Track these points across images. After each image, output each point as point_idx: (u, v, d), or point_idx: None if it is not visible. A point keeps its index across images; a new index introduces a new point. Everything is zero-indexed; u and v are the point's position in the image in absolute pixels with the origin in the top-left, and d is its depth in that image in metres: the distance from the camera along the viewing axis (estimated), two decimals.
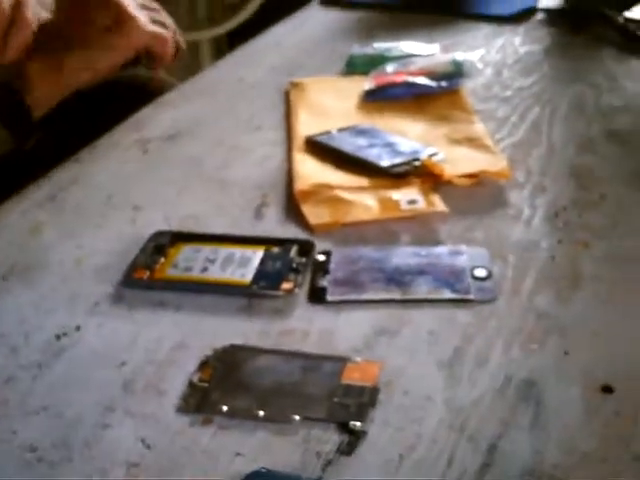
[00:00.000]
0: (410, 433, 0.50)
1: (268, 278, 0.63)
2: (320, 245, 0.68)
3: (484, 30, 1.19)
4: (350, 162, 0.80)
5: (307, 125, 0.89)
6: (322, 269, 0.65)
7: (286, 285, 0.63)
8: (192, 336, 0.59)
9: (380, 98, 0.95)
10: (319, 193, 0.75)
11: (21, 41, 0.79)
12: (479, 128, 0.87)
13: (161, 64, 0.92)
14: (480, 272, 0.63)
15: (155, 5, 0.94)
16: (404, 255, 0.66)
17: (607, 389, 0.52)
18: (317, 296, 0.62)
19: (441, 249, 0.67)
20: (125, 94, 0.99)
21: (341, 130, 0.87)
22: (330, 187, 0.75)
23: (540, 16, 1.24)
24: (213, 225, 0.73)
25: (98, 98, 0.90)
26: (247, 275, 0.64)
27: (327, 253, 0.67)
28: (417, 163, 0.78)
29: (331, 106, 0.95)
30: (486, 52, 1.10)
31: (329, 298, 0.62)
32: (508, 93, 0.97)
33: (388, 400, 0.52)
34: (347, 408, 0.51)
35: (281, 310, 0.61)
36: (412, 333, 0.58)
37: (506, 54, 1.10)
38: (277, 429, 0.50)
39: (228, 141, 0.89)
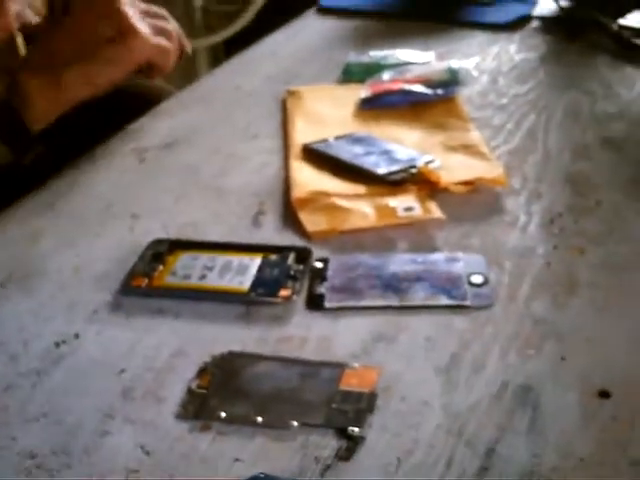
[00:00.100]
0: (408, 438, 0.50)
1: (266, 285, 0.64)
2: (317, 252, 0.68)
3: (479, 38, 1.20)
4: (347, 170, 0.80)
5: (304, 133, 0.89)
6: (320, 276, 0.65)
7: (284, 292, 0.63)
8: (191, 343, 0.59)
9: (376, 106, 0.95)
10: (316, 201, 0.75)
11: None
12: (475, 135, 0.87)
13: (161, 74, 0.90)
14: (476, 278, 0.64)
15: (159, 10, 0.91)
16: (401, 262, 0.67)
17: (604, 394, 0.52)
18: (315, 303, 0.62)
19: (438, 256, 0.67)
20: (123, 103, 0.99)
21: (338, 138, 0.87)
22: (327, 195, 0.76)
23: (535, 24, 1.24)
24: (211, 233, 0.73)
25: (96, 108, 0.90)
26: (245, 282, 0.64)
27: (324, 260, 0.67)
28: (413, 170, 0.78)
29: (328, 114, 0.95)
30: (482, 60, 1.11)
31: (327, 305, 0.62)
32: (504, 100, 0.98)
33: (386, 406, 0.52)
34: (345, 414, 0.51)
35: (279, 317, 0.61)
36: (409, 339, 0.58)
37: (501, 62, 1.10)
38: (275, 435, 0.50)
39: (225, 149, 0.89)
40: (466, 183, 0.77)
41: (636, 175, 0.80)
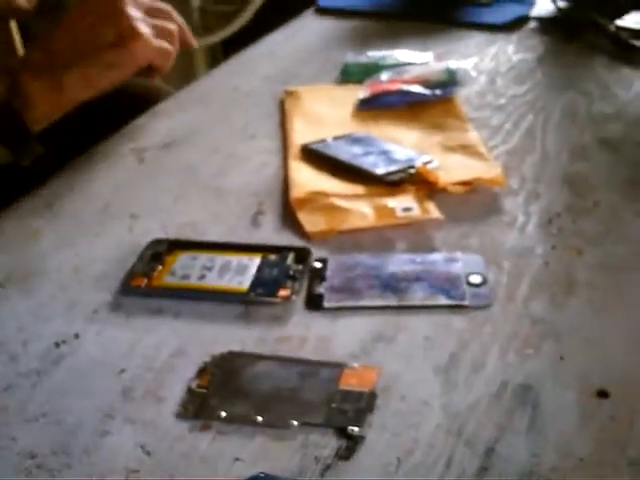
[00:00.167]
0: (407, 438, 0.50)
1: (265, 285, 0.64)
2: (316, 252, 0.68)
3: (477, 38, 1.20)
4: (345, 170, 0.81)
5: (302, 133, 0.90)
6: (319, 276, 0.65)
7: (283, 292, 0.63)
8: (190, 343, 0.59)
9: (375, 106, 0.96)
10: (315, 201, 0.75)
11: None
12: (473, 136, 0.88)
13: (160, 75, 0.90)
14: (475, 278, 0.64)
15: (163, 7, 0.90)
16: (400, 262, 0.67)
17: (602, 394, 0.52)
18: (314, 303, 0.63)
19: (436, 256, 0.67)
20: (122, 103, 0.99)
21: (336, 138, 0.87)
22: (326, 195, 0.76)
23: (533, 25, 1.24)
24: (210, 233, 0.73)
25: (94, 108, 0.89)
26: (244, 282, 0.64)
27: (323, 260, 0.67)
28: (412, 171, 0.78)
29: (326, 114, 0.96)
30: (480, 60, 1.11)
31: (326, 305, 0.62)
32: (502, 101, 0.98)
33: (385, 405, 0.52)
34: (345, 413, 0.51)
35: (278, 317, 0.61)
36: (408, 339, 0.59)
37: (499, 62, 1.10)
38: (275, 434, 0.51)
39: (224, 149, 0.89)
40: (464, 183, 0.77)
41: (633, 176, 0.80)
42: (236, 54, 1.20)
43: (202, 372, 0.56)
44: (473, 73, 1.04)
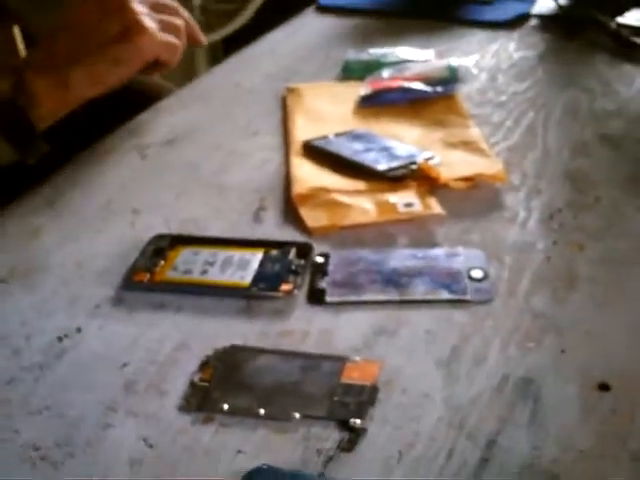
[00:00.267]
0: (409, 431, 0.50)
1: (267, 280, 0.64)
2: (318, 248, 0.68)
3: (478, 36, 1.20)
4: (347, 166, 0.81)
5: (304, 130, 0.90)
6: (321, 271, 0.65)
7: (285, 287, 0.63)
8: (193, 337, 0.59)
9: (376, 103, 0.96)
10: (317, 197, 0.75)
11: None
12: (474, 132, 0.88)
13: (167, 70, 0.89)
14: (476, 273, 0.64)
15: (170, 3, 0.90)
16: (401, 257, 0.67)
17: (604, 387, 0.53)
18: (316, 297, 0.63)
19: (438, 251, 0.68)
20: (123, 101, 0.99)
21: (338, 135, 0.87)
22: (327, 191, 0.76)
23: (534, 22, 1.25)
24: (212, 229, 0.73)
25: (96, 106, 0.89)
26: (246, 277, 0.64)
27: (325, 255, 0.67)
28: (413, 167, 0.78)
29: (327, 111, 0.96)
30: (481, 57, 1.11)
31: (328, 299, 0.62)
32: (503, 98, 0.98)
33: (387, 398, 0.53)
34: (347, 406, 0.52)
35: (280, 311, 0.62)
36: (410, 333, 0.59)
37: (500, 59, 1.11)
38: (278, 427, 0.51)
39: (226, 146, 0.89)
40: (466, 179, 0.77)
41: (634, 172, 0.80)
42: (237, 52, 1.20)
43: (204, 366, 0.56)
44: (474, 70, 1.05)
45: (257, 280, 0.64)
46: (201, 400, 0.53)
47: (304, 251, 0.67)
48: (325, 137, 0.87)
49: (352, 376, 0.54)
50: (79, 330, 0.61)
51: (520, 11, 1.26)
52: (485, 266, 0.65)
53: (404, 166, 0.79)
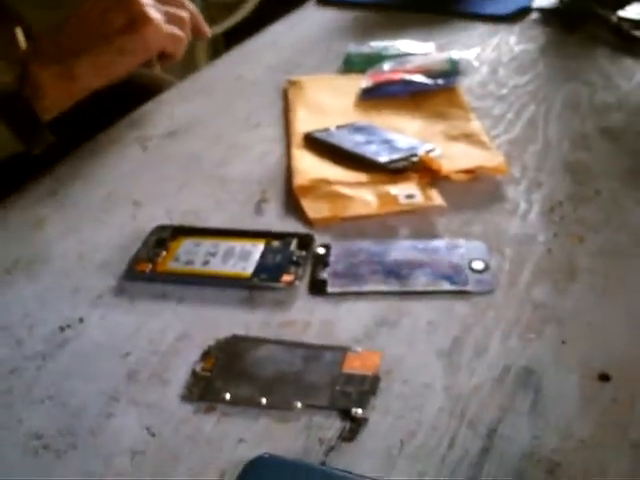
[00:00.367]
0: (410, 420, 0.50)
1: (269, 271, 0.64)
2: (320, 239, 0.69)
3: (479, 29, 1.20)
4: (348, 158, 0.81)
5: (305, 122, 0.90)
6: (322, 262, 0.66)
7: (287, 277, 0.63)
8: (195, 327, 0.59)
9: (377, 96, 0.96)
10: (318, 188, 0.75)
11: None
12: (475, 125, 0.88)
13: (172, 62, 0.89)
14: (478, 265, 0.64)
15: None
16: (403, 248, 0.67)
17: (604, 377, 0.53)
18: (317, 288, 0.63)
19: (439, 242, 0.68)
20: (124, 93, 0.99)
21: (339, 127, 0.87)
22: (329, 182, 0.76)
23: (535, 15, 1.25)
24: (214, 220, 0.73)
25: (97, 98, 0.89)
26: (248, 268, 0.65)
27: (327, 246, 0.67)
28: (415, 159, 0.78)
29: (329, 104, 0.96)
30: (482, 51, 1.11)
31: (329, 290, 0.62)
32: (504, 91, 0.98)
33: (388, 388, 0.53)
34: (349, 396, 0.52)
35: (282, 302, 0.62)
36: (411, 324, 0.59)
37: (501, 53, 1.11)
38: (280, 416, 0.51)
39: (227, 138, 0.89)
40: (467, 171, 0.77)
41: (634, 165, 0.80)
42: (238, 45, 1.20)
43: (206, 355, 0.56)
44: (475, 63, 1.05)
45: (259, 271, 0.64)
46: (203, 390, 0.53)
47: (305, 242, 0.68)
48: (326, 129, 0.87)
49: (354, 366, 0.54)
50: (81, 320, 0.61)
51: (521, 4, 1.27)
52: (486, 258, 0.65)
53: (405, 158, 0.79)
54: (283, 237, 0.68)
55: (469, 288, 0.62)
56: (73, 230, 0.73)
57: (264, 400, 0.52)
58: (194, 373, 0.55)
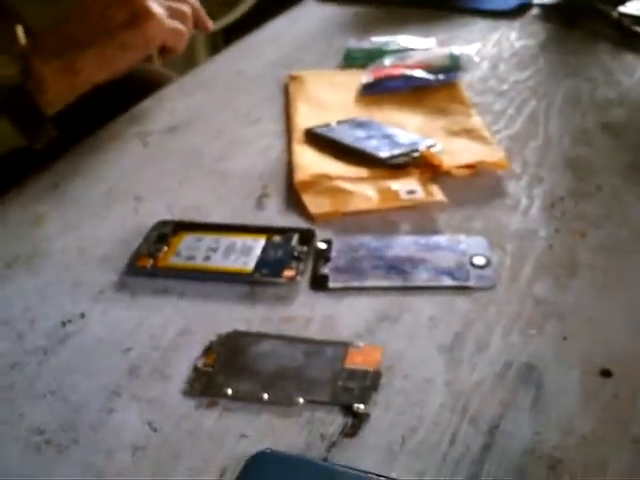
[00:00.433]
0: (412, 416, 0.50)
1: (270, 266, 0.64)
2: (321, 234, 0.69)
3: (480, 25, 1.20)
4: (349, 153, 0.81)
5: (306, 117, 0.90)
6: (323, 257, 0.66)
7: (288, 273, 0.63)
8: (196, 322, 0.59)
9: (378, 91, 0.96)
10: (319, 183, 0.75)
11: None
12: (476, 120, 0.88)
13: (173, 56, 0.89)
14: (479, 260, 0.64)
15: None
16: (404, 244, 0.67)
17: (606, 373, 0.53)
18: (319, 283, 0.63)
19: (440, 238, 0.68)
20: (124, 88, 0.99)
21: (340, 122, 0.87)
22: (330, 177, 0.76)
23: (535, 11, 1.25)
24: (215, 215, 0.73)
25: (97, 93, 0.89)
26: (249, 263, 0.65)
27: (328, 242, 0.67)
28: (416, 154, 0.78)
29: (330, 99, 0.96)
30: (482, 46, 1.11)
31: (331, 285, 0.62)
32: (504, 86, 0.98)
33: (390, 384, 0.53)
34: (350, 391, 0.52)
35: (283, 297, 0.62)
36: (413, 319, 0.59)
37: (502, 48, 1.11)
38: (281, 411, 0.51)
39: (228, 133, 0.89)
40: (468, 167, 0.77)
41: (635, 160, 0.80)
42: (238, 40, 1.20)
43: (208, 351, 0.56)
44: (476, 59, 1.05)
45: (260, 266, 0.64)
46: (205, 385, 0.53)
47: (307, 237, 0.68)
48: (327, 124, 0.87)
49: (355, 361, 0.54)
50: (83, 315, 0.61)
51: (522, 0, 1.26)
52: (487, 253, 0.65)
53: (406, 153, 0.79)
54: (284, 232, 0.68)
55: (470, 283, 0.62)
56: (74, 226, 0.73)
57: (266, 395, 0.52)
58: (195, 368, 0.55)
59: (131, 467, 0.48)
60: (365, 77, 0.98)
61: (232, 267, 0.65)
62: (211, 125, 0.92)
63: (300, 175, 0.77)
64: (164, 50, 0.87)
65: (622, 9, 1.16)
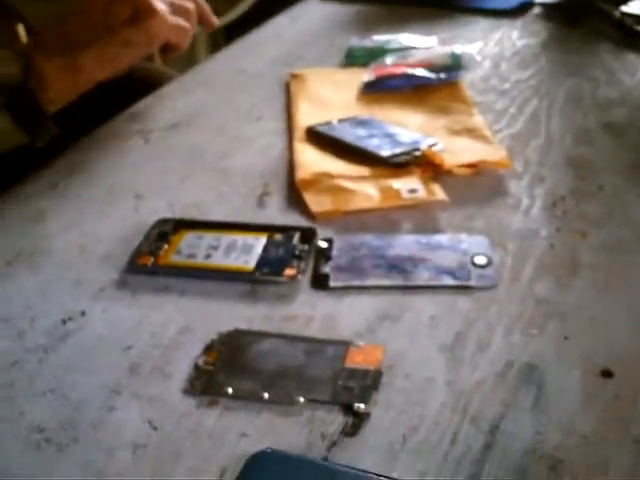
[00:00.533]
0: (413, 415, 0.50)
1: (271, 264, 0.64)
2: (322, 233, 0.68)
3: (482, 24, 1.20)
4: (350, 152, 0.81)
5: (308, 115, 0.90)
6: (324, 256, 0.65)
7: (289, 271, 0.63)
8: (197, 320, 0.59)
9: (379, 89, 0.96)
10: (320, 182, 0.75)
11: None
12: (478, 119, 0.88)
13: (177, 54, 0.89)
14: (480, 259, 0.64)
15: None
16: (405, 243, 0.67)
17: (607, 373, 0.53)
18: (320, 282, 0.63)
19: (441, 237, 0.68)
20: (125, 86, 0.99)
21: (341, 121, 0.87)
22: (331, 176, 0.76)
23: (537, 10, 1.25)
24: (216, 213, 0.73)
25: (98, 91, 0.89)
26: (250, 262, 0.65)
27: (329, 240, 0.67)
28: (417, 153, 0.78)
29: (331, 97, 0.96)
30: (484, 45, 1.11)
31: (332, 284, 0.62)
32: (506, 86, 0.98)
33: (391, 383, 0.53)
34: (351, 390, 0.52)
35: (284, 296, 0.62)
36: (414, 318, 0.59)
37: (504, 47, 1.11)
38: (282, 411, 0.51)
39: (229, 131, 0.89)
40: (469, 166, 0.77)
41: (637, 160, 0.80)
42: (239, 38, 1.20)
43: (208, 349, 0.56)
44: (478, 58, 1.05)
45: (261, 265, 0.64)
46: (205, 383, 0.53)
47: (308, 236, 0.68)
48: (328, 123, 0.87)
49: (356, 360, 0.54)
50: (83, 313, 0.61)
51: None
52: (489, 252, 0.65)
53: (407, 152, 0.79)
54: (285, 231, 0.68)
55: (471, 283, 0.62)
56: (74, 223, 0.73)
57: (266, 394, 0.52)
58: (196, 367, 0.55)
59: (131, 466, 0.48)
60: (367, 75, 0.98)
61: (233, 265, 0.64)
62: (212, 123, 0.91)
63: (301, 173, 0.77)
64: (167, 47, 0.86)
65: (624, 8, 1.16)
